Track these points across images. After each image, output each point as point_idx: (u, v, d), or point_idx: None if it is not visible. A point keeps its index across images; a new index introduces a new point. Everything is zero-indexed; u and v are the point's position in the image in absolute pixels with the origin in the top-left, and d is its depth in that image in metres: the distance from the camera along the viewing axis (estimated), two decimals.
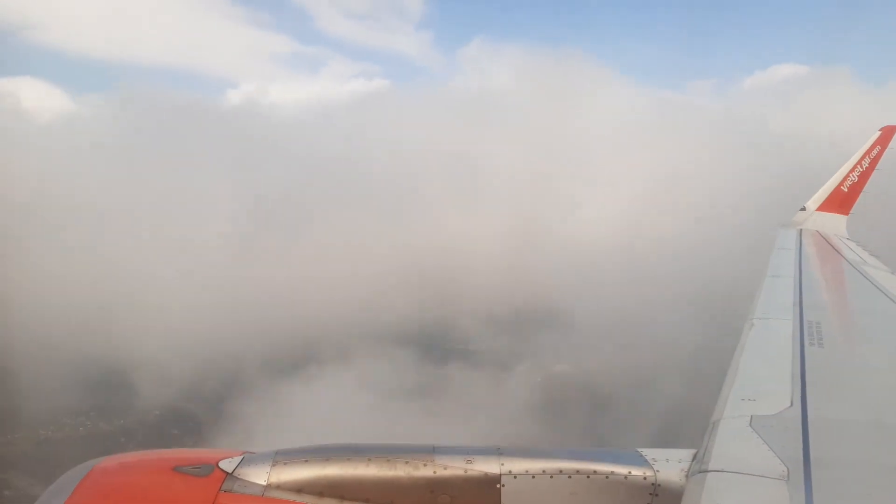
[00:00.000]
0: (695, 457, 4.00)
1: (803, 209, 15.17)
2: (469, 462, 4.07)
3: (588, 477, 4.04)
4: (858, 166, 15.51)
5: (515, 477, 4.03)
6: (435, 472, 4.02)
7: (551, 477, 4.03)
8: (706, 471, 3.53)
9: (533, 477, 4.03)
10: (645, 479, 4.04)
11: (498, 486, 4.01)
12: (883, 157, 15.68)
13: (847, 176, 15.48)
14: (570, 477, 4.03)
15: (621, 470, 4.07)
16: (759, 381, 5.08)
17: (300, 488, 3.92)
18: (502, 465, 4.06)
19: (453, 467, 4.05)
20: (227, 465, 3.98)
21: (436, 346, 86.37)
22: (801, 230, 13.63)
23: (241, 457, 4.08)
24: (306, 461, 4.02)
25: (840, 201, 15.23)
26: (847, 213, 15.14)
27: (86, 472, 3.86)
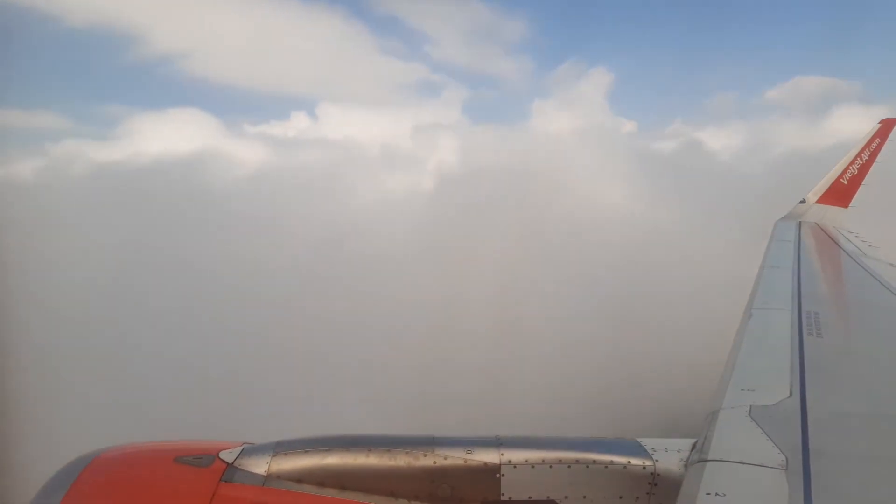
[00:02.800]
0: (694, 446, 4.02)
1: (802, 202, 15.19)
2: (469, 452, 4.09)
3: (587, 466, 4.05)
4: (858, 159, 15.52)
5: (515, 467, 4.04)
6: (435, 463, 4.04)
7: (550, 467, 4.05)
8: (705, 460, 3.54)
9: (532, 467, 4.05)
10: (644, 468, 4.06)
11: (497, 475, 4.02)
12: (882, 149, 15.71)
13: (847, 168, 15.50)
14: (569, 466, 4.05)
15: (620, 459, 4.08)
16: (758, 371, 5.08)
17: (300, 478, 3.94)
18: (502, 455, 4.08)
19: (453, 457, 4.06)
20: (227, 455, 4.00)
21: None
22: (799, 222, 13.64)
23: (241, 447, 4.10)
24: (306, 451, 4.03)
25: (840, 194, 15.25)
26: (846, 206, 15.16)
27: (87, 462, 3.88)
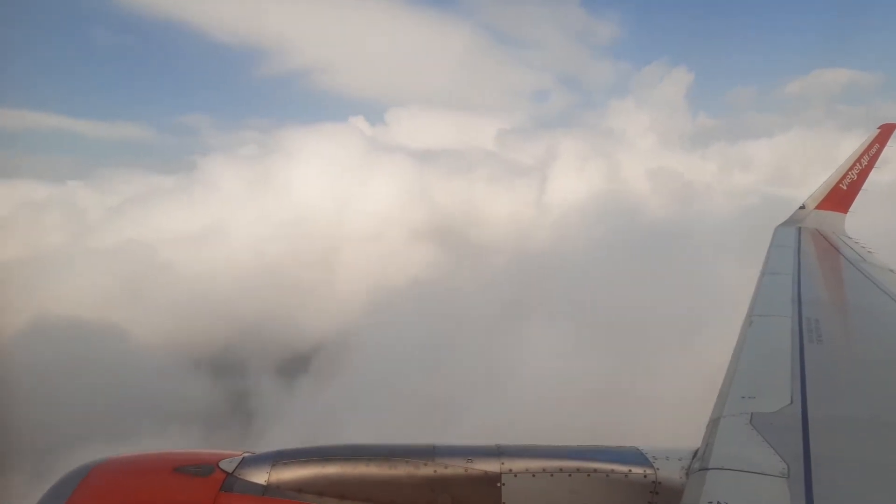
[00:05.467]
0: (695, 454, 4.01)
1: (802, 207, 15.17)
2: (469, 461, 4.07)
3: (588, 475, 4.03)
4: (857, 164, 15.52)
5: (516, 476, 4.02)
6: (435, 472, 4.02)
7: (552, 475, 4.03)
8: (706, 468, 3.52)
9: (533, 475, 4.03)
10: (645, 476, 4.04)
11: (498, 484, 4.00)
12: (881, 155, 15.72)
13: (846, 174, 15.49)
14: (570, 475, 4.03)
15: (621, 468, 4.07)
16: (759, 378, 5.07)
17: (300, 488, 3.92)
18: (503, 464, 4.06)
19: (454, 466, 4.04)
20: (227, 465, 3.98)
21: None
22: (799, 228, 13.62)
23: (241, 457, 4.08)
24: (306, 461, 4.02)
25: (839, 199, 15.22)
26: (846, 212, 15.13)
27: (86, 472, 3.86)
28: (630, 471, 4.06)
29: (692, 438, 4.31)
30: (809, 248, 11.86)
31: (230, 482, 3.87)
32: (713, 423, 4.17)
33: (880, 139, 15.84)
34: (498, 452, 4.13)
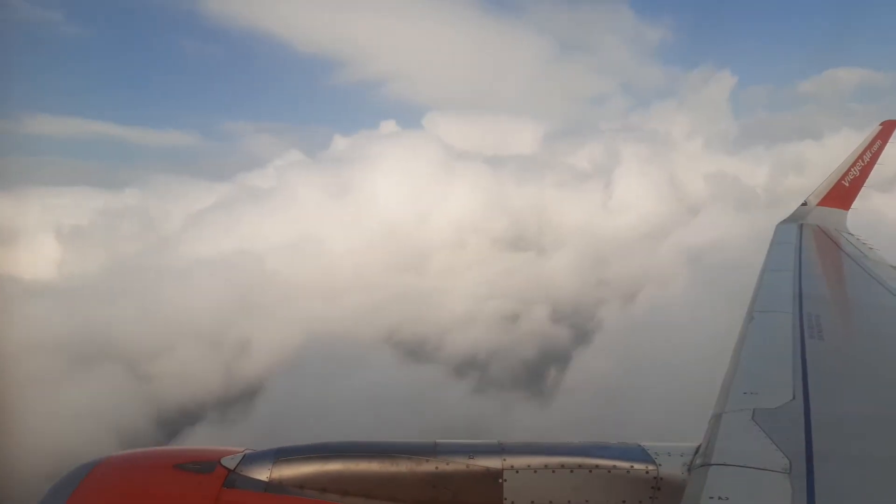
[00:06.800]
0: (697, 450, 4.01)
1: (804, 204, 15.14)
2: (471, 458, 4.07)
3: (590, 471, 4.04)
4: (860, 161, 15.48)
5: (517, 472, 4.03)
6: (437, 468, 4.03)
7: (553, 472, 4.03)
8: (708, 464, 3.53)
9: (535, 472, 4.04)
10: (647, 473, 4.04)
11: (500, 481, 4.01)
12: (883, 152, 15.68)
13: (848, 171, 15.45)
14: (572, 471, 4.04)
15: (623, 464, 4.07)
16: (761, 374, 5.07)
17: (302, 484, 3.93)
18: (504, 460, 4.06)
19: (455, 463, 4.05)
20: (229, 462, 3.99)
21: None
22: (801, 225, 13.60)
23: (243, 454, 4.09)
24: (308, 458, 4.03)
25: (841, 196, 15.19)
26: (847, 208, 15.11)
27: (89, 469, 3.87)
28: (632, 467, 4.06)
29: (690, 434, 4.31)
30: (811, 245, 11.85)
31: (232, 479, 3.89)
32: (715, 419, 4.17)
33: (882, 136, 15.79)
34: (499, 449, 4.13)
